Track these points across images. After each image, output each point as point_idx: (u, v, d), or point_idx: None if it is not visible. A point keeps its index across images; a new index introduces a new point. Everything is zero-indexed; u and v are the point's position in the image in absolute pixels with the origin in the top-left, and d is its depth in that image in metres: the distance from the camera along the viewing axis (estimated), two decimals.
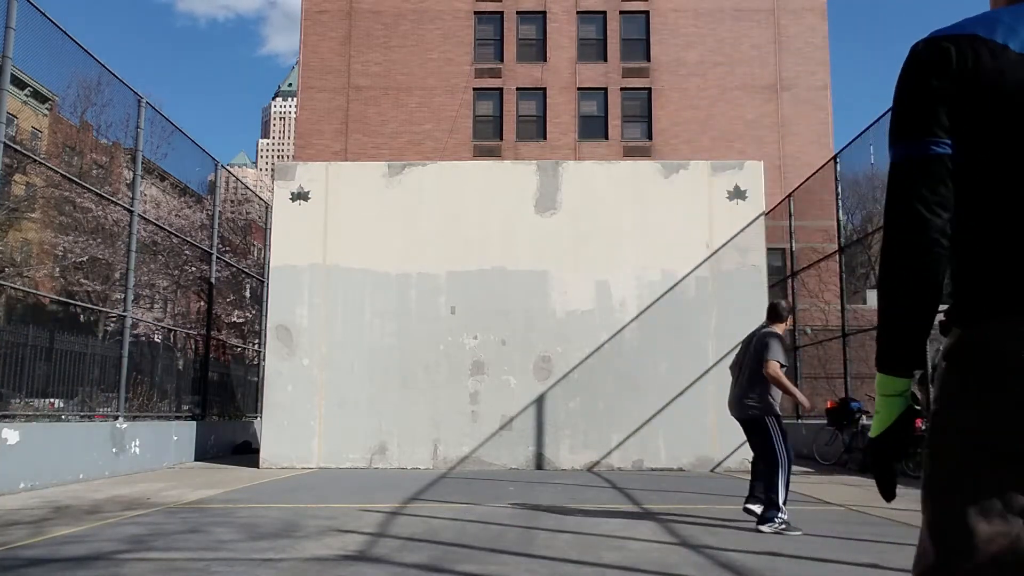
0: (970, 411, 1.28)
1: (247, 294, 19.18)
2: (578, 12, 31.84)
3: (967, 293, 1.32)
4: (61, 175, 12.63)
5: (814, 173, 15.15)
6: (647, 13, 31.59)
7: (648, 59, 31.37)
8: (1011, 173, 1.29)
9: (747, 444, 6.56)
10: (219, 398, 15.29)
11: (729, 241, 12.07)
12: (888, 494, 1.39)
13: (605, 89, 31.36)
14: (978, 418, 1.27)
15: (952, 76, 1.32)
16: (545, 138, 31.04)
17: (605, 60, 31.57)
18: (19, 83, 19.49)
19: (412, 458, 11.70)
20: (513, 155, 29.77)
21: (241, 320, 19.37)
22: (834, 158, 13.82)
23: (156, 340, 14.59)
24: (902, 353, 1.36)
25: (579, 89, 31.45)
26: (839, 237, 13.75)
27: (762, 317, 7.05)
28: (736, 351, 6.77)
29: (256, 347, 17.58)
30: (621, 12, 31.77)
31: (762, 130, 30.33)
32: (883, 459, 1.37)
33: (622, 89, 31.34)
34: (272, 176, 16.36)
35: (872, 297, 20.02)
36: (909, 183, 1.34)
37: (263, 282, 16.16)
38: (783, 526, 5.76)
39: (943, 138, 1.33)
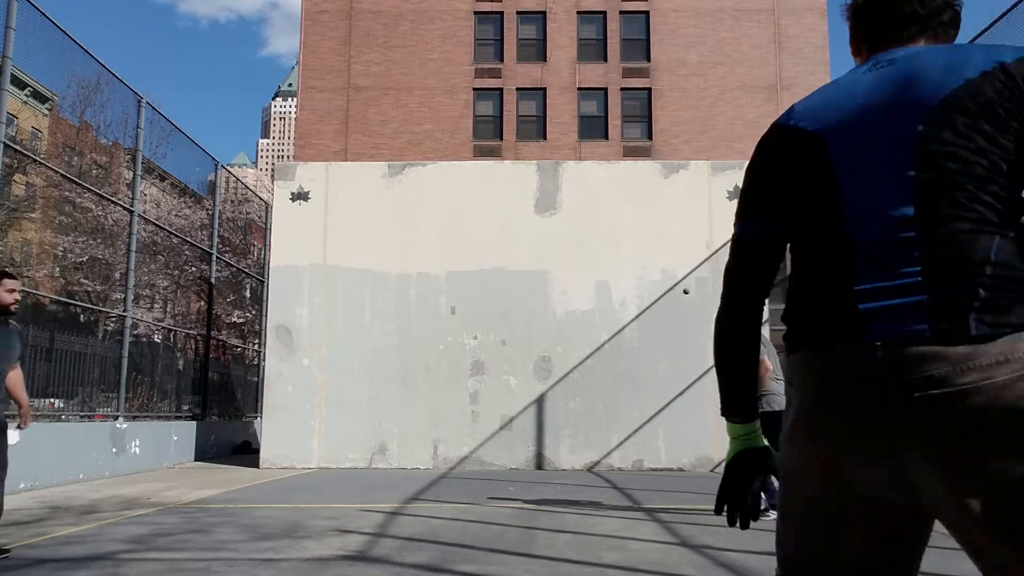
0: (794, 424, 1.35)
1: (247, 294, 19.17)
2: (578, 12, 31.83)
3: (789, 326, 1.45)
4: (61, 175, 12.62)
5: None
6: (647, 13, 31.59)
7: (648, 59, 31.37)
8: (806, 237, 1.44)
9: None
10: (219, 398, 15.29)
11: (729, 241, 12.07)
12: (732, 520, 1.46)
13: (605, 89, 31.35)
14: (804, 431, 1.33)
15: (766, 162, 1.53)
16: (545, 138, 31.03)
17: (605, 60, 31.56)
18: (19, 83, 19.48)
19: (412, 458, 11.70)
20: (513, 155, 29.77)
21: (241, 320, 19.35)
22: None
23: (156, 340, 14.58)
24: (731, 403, 1.49)
25: (579, 89, 31.44)
26: None
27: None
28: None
29: (256, 347, 17.59)
30: (621, 12, 31.76)
31: (762, 130, 30.01)
32: (729, 485, 1.46)
33: (622, 89, 31.33)
34: (272, 176, 16.35)
35: None
36: (733, 261, 1.55)
37: (263, 282, 16.16)
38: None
39: (764, 219, 1.51)
